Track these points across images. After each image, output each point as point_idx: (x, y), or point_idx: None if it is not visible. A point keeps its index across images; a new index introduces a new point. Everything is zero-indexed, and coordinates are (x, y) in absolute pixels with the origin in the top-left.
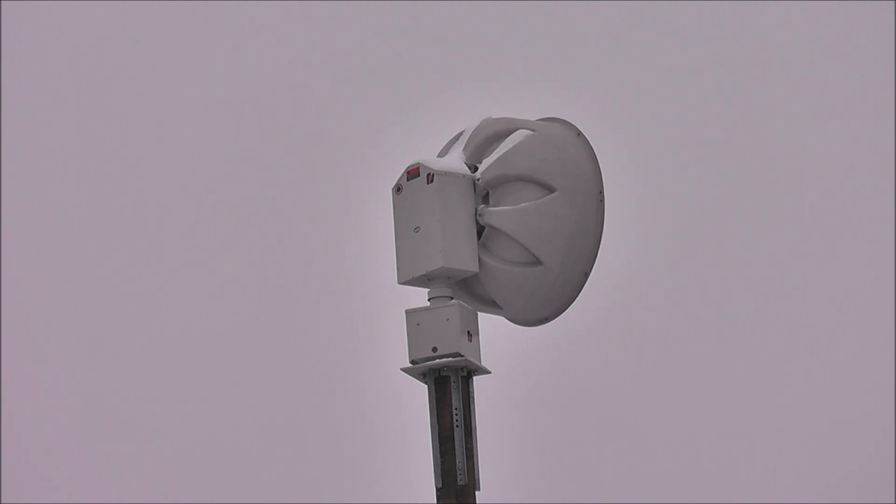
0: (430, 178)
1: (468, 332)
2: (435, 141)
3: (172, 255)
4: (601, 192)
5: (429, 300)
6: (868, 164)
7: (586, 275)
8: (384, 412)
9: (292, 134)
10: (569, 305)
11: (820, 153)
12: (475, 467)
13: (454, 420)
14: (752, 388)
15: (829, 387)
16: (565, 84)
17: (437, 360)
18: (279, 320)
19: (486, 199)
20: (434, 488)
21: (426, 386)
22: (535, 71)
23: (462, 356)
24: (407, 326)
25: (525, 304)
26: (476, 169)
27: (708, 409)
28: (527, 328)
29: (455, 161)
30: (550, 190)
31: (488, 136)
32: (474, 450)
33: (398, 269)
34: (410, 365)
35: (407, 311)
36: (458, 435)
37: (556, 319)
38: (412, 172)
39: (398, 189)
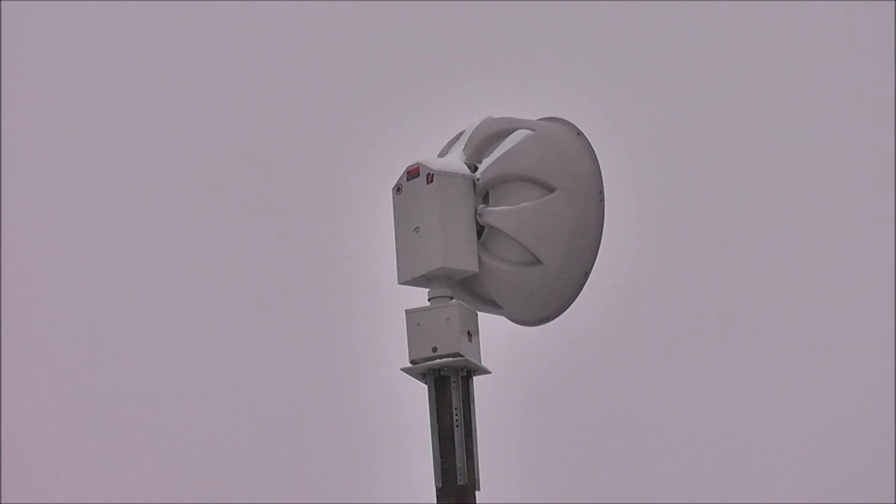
0: (429, 178)
1: (468, 332)
2: (435, 141)
3: (172, 255)
4: (601, 192)
5: (429, 300)
6: (868, 164)
7: (586, 274)
8: (384, 412)
9: (292, 134)
10: (569, 305)
11: (820, 153)
12: (475, 467)
13: (454, 420)
14: (752, 388)
15: (829, 387)
16: (565, 84)
17: (437, 360)
18: (279, 320)
19: (486, 199)
20: (434, 488)
21: (426, 386)
22: (535, 71)
23: (462, 356)
24: (407, 326)
25: (525, 304)
26: (476, 169)
27: (708, 409)
28: (527, 328)
29: (455, 161)
30: (550, 190)
31: (488, 136)
32: (474, 450)
33: (398, 269)
34: (410, 365)
35: (407, 311)
36: (458, 435)
37: (557, 319)
38: (412, 172)
39: (398, 189)
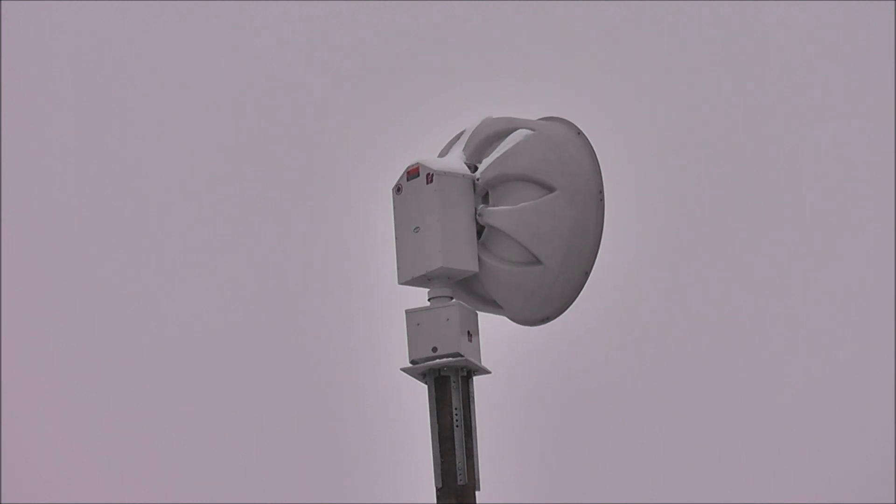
0: (429, 178)
1: (468, 332)
2: (435, 141)
3: (172, 255)
4: (601, 192)
5: (429, 300)
6: (868, 164)
7: (586, 274)
8: (384, 412)
9: (292, 134)
10: (569, 305)
11: (820, 153)
12: (475, 467)
13: (454, 420)
14: (752, 388)
15: (829, 387)
16: (565, 84)
17: (437, 360)
18: (279, 320)
19: (486, 199)
20: (434, 488)
21: (426, 386)
22: (535, 71)
23: (462, 356)
24: (407, 326)
25: (525, 304)
26: (476, 169)
27: (708, 409)
28: (528, 328)
29: (455, 161)
30: (550, 189)
31: (488, 136)
32: (474, 450)
33: (398, 269)
34: (410, 365)
35: (407, 311)
36: (458, 435)
37: (557, 319)
38: (412, 172)
39: (398, 189)
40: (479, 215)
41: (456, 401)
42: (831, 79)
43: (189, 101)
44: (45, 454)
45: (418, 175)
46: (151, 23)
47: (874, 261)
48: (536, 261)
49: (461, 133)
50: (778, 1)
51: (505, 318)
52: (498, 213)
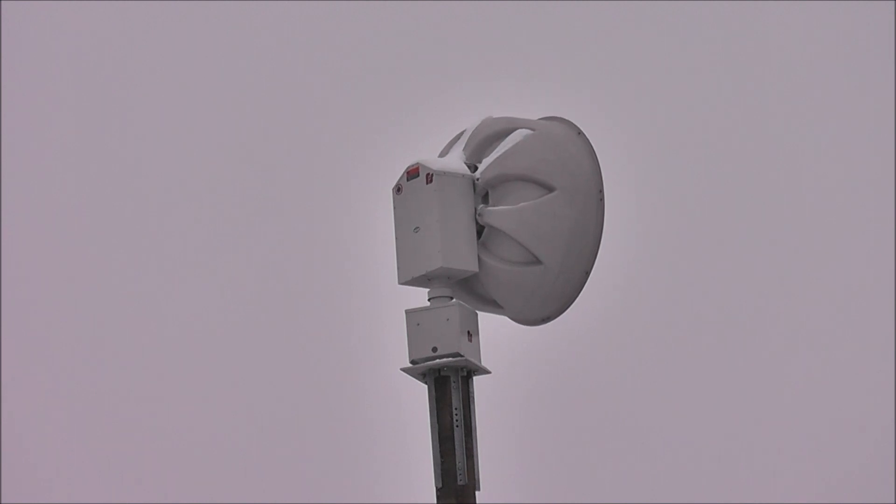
0: (429, 178)
1: (468, 332)
2: (435, 141)
3: (172, 255)
4: (601, 192)
5: (429, 300)
6: (868, 164)
7: (587, 274)
8: (384, 412)
9: (292, 134)
10: (570, 305)
11: (820, 153)
12: (475, 467)
13: (454, 420)
14: (753, 388)
15: (829, 387)
16: (565, 84)
17: (437, 360)
18: (279, 320)
19: (486, 199)
20: (434, 488)
21: (426, 386)
22: (535, 71)
23: (462, 356)
24: (407, 326)
25: (525, 304)
26: (476, 169)
27: (708, 409)
28: (528, 327)
29: (454, 161)
30: (550, 189)
31: (488, 136)
32: (474, 450)
33: (398, 269)
34: (410, 365)
35: (407, 311)
36: (458, 435)
37: (557, 319)
38: (412, 172)
39: (398, 189)
40: (479, 215)
41: (456, 401)
42: (831, 79)
43: (189, 101)
44: (45, 454)
45: (418, 175)
46: (151, 23)
47: (874, 261)
48: (536, 261)
49: (461, 133)
50: (778, 1)
51: (505, 318)
52: (498, 213)
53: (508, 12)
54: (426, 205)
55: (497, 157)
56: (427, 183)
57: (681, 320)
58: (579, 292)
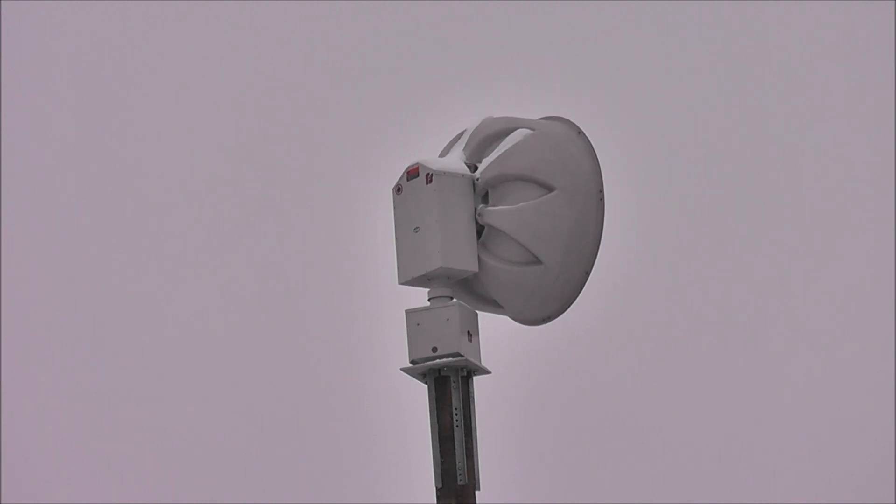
0: (428, 178)
1: (468, 332)
2: (435, 141)
3: (172, 255)
4: (601, 192)
5: (429, 300)
6: (868, 164)
7: (587, 274)
8: (384, 412)
9: (292, 134)
10: (570, 304)
11: (820, 153)
12: (475, 467)
13: (454, 420)
14: (753, 388)
15: (829, 387)
16: (565, 84)
17: (437, 360)
18: (279, 320)
19: (485, 199)
20: (434, 488)
21: (426, 386)
22: (535, 71)
23: (462, 356)
24: (407, 326)
25: (525, 304)
26: (476, 168)
27: (708, 409)
28: (529, 327)
29: (454, 161)
30: (550, 189)
31: (488, 136)
32: (474, 450)
33: (398, 269)
34: (410, 365)
35: (407, 311)
36: (458, 435)
37: (557, 319)
38: (412, 172)
39: (398, 189)
40: (479, 215)
41: (456, 401)
42: (831, 79)
43: (189, 101)
44: (45, 454)
45: (418, 175)
46: (151, 23)
47: (874, 261)
48: (536, 260)
49: (462, 133)
50: (778, 1)
51: (505, 318)
52: (497, 213)
53: (508, 12)
54: (426, 205)
55: (497, 157)
56: (427, 183)
57: (681, 320)
58: (579, 292)
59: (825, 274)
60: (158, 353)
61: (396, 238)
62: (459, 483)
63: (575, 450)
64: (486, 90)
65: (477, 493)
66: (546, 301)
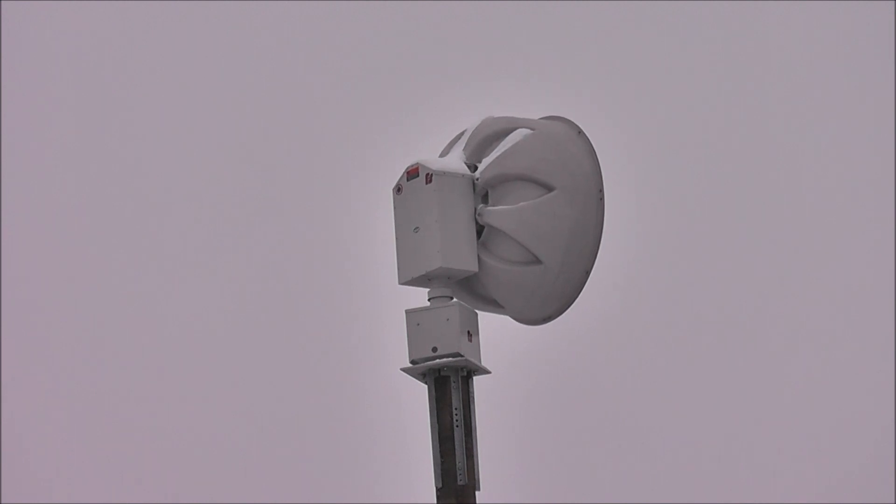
0: (428, 178)
1: (468, 332)
2: (435, 141)
3: (172, 255)
4: (601, 191)
5: (429, 300)
6: (868, 164)
7: (587, 273)
8: (384, 412)
9: (292, 134)
10: (570, 304)
11: (820, 153)
12: (475, 467)
13: (454, 420)
14: (753, 388)
15: (829, 387)
16: (565, 84)
17: (437, 360)
18: (279, 320)
19: (485, 199)
20: (434, 488)
21: (426, 386)
22: (535, 71)
23: (462, 356)
24: (407, 326)
25: (526, 304)
26: (476, 168)
27: (708, 408)
28: (530, 327)
29: (454, 161)
30: (550, 189)
31: (488, 136)
32: (474, 450)
33: (398, 269)
34: (410, 365)
35: (407, 311)
36: (458, 435)
37: (557, 319)
38: (412, 173)
39: (398, 189)
40: (479, 215)
41: (456, 401)
42: (831, 79)
43: (189, 101)
44: (45, 454)
45: (418, 175)
46: (151, 23)
47: (874, 261)
48: (536, 260)
49: (462, 133)
50: (778, 1)
51: (505, 318)
52: (497, 213)
53: (508, 12)
54: (426, 205)
55: (497, 157)
56: (426, 183)
57: (681, 320)
58: (580, 292)
59: (825, 274)
60: (158, 353)
61: (396, 238)
62: (459, 483)
63: (575, 450)
64: (486, 90)
65: (477, 493)
66: (546, 301)
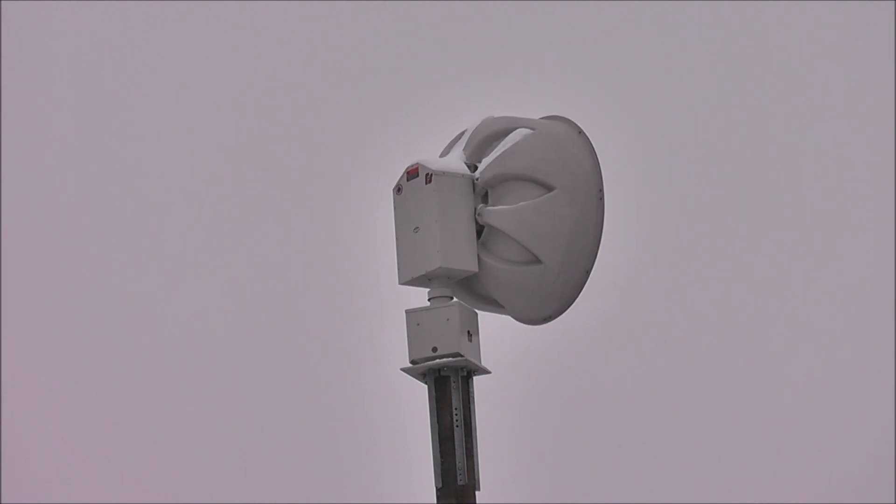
0: (428, 178)
1: (468, 332)
2: (435, 141)
3: (172, 255)
4: (601, 191)
5: (429, 300)
6: (868, 164)
7: (587, 273)
8: (384, 412)
9: (292, 134)
10: (571, 304)
11: (820, 153)
12: (475, 467)
13: (454, 420)
14: (753, 388)
15: (829, 387)
16: (565, 84)
17: (437, 360)
18: (279, 320)
19: (485, 199)
20: (434, 488)
21: (426, 386)
22: (535, 71)
23: (462, 356)
24: (407, 326)
25: (526, 304)
26: (476, 168)
27: (708, 408)
28: (530, 327)
29: (454, 161)
30: (550, 189)
31: (488, 136)
32: (474, 450)
33: (398, 269)
34: (410, 365)
35: (407, 311)
36: (458, 435)
37: (558, 319)
38: (411, 173)
39: (398, 189)
40: (479, 215)
41: (456, 401)
42: (831, 79)
43: (189, 101)
44: (45, 454)
45: (418, 175)
46: (151, 23)
47: (874, 261)
48: (536, 260)
49: (462, 133)
50: (778, 1)
51: (505, 318)
52: (497, 213)
53: (508, 12)
54: (426, 205)
55: (496, 157)
56: (426, 183)
57: (681, 320)
58: (580, 292)
59: (825, 274)
60: (158, 353)
61: (396, 238)
62: (459, 483)
63: (575, 450)
64: (486, 90)
65: (477, 493)
66: (546, 301)
